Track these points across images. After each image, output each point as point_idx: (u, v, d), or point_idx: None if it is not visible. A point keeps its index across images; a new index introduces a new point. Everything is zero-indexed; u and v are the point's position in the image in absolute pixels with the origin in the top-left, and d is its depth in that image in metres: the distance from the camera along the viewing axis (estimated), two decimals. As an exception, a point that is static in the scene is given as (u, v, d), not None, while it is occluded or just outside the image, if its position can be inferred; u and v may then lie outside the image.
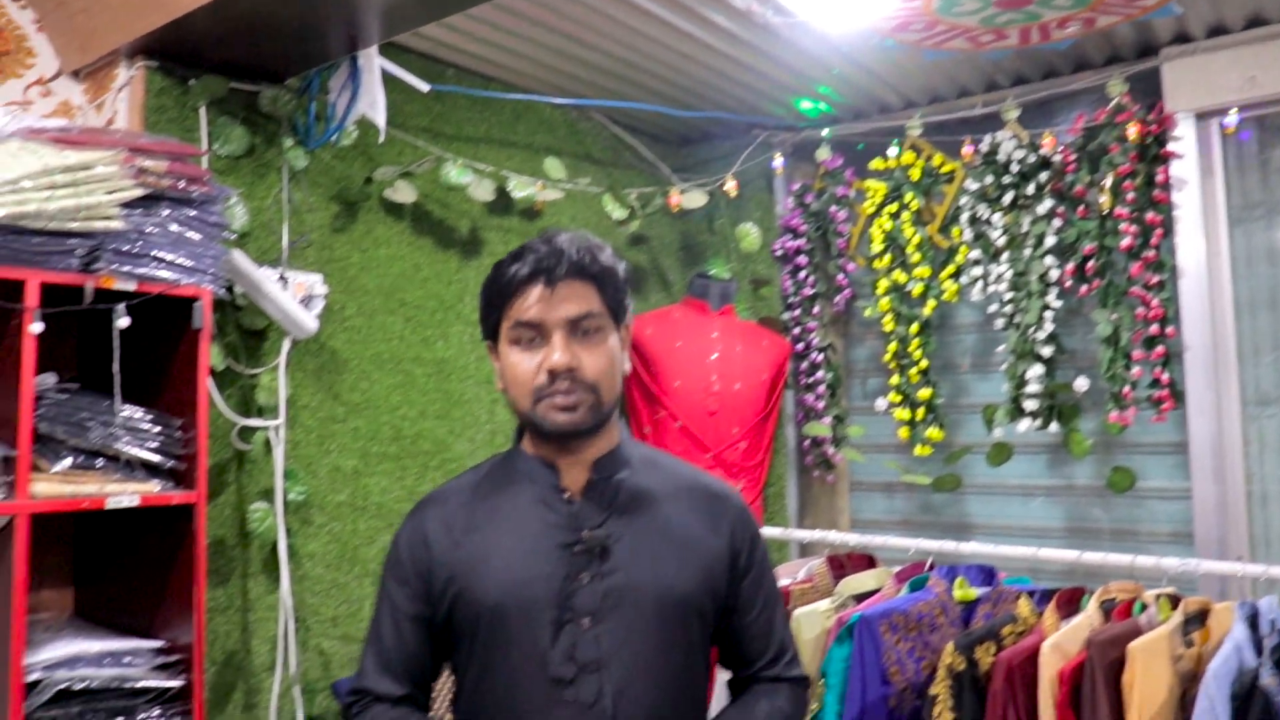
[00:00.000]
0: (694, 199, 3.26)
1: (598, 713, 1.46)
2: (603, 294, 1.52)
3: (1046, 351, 3.09)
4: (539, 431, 1.53)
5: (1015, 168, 3.15)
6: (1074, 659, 2.01)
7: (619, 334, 1.57)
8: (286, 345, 2.48)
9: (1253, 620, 2.04)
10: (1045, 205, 3.10)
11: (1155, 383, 2.95)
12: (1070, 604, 2.24)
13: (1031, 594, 2.27)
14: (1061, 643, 2.04)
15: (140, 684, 1.97)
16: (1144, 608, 2.14)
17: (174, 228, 2.03)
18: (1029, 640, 2.11)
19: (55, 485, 1.89)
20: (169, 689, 2.01)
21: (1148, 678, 1.93)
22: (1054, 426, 3.12)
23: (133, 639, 2.03)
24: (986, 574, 2.44)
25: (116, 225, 1.90)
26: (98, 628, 2.10)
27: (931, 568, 2.47)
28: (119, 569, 2.20)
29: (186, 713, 2.02)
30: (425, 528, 1.57)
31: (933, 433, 3.35)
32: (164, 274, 2.01)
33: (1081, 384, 3.06)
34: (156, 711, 1.99)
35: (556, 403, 1.48)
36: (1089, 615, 2.12)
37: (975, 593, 2.37)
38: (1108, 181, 2.99)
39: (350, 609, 2.65)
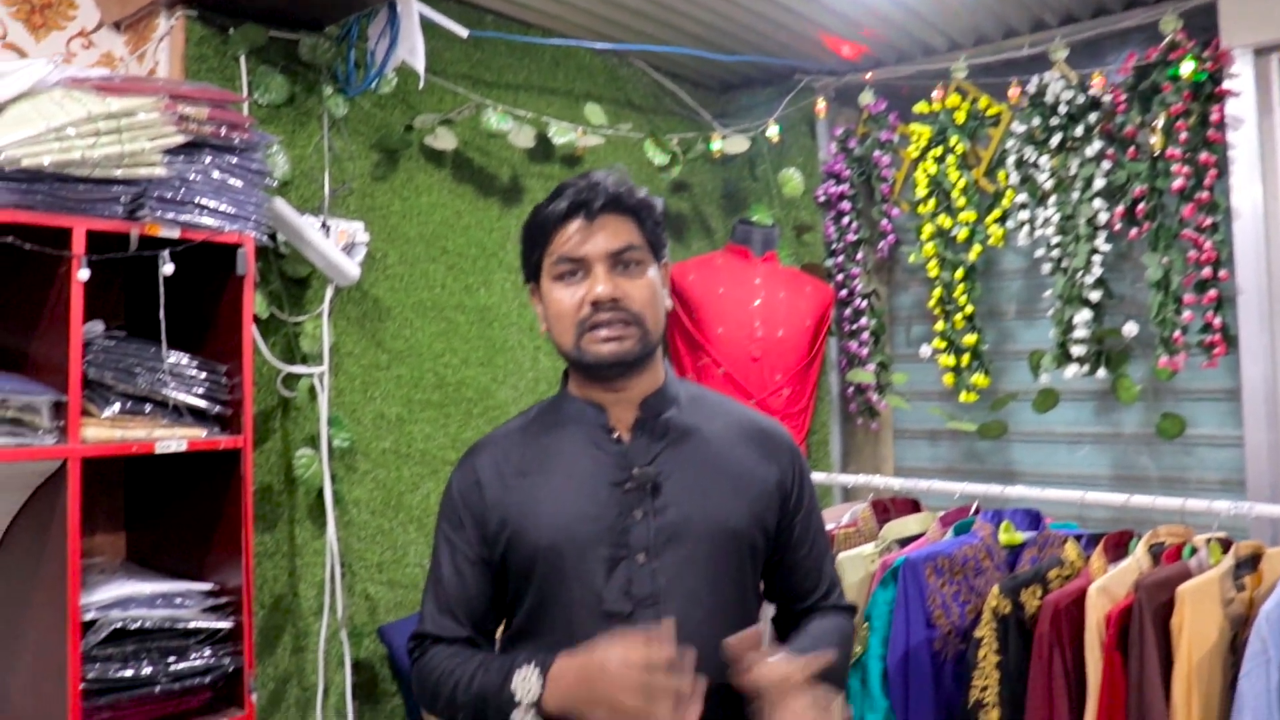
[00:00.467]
0: (736, 144, 3.22)
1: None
2: (641, 228, 1.53)
3: (1094, 296, 3.03)
4: (585, 368, 1.53)
5: (1063, 109, 3.07)
6: (1122, 602, 2.00)
7: (658, 269, 1.57)
8: (329, 293, 2.50)
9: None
10: (1094, 147, 3.03)
11: (1206, 327, 2.88)
12: (1118, 548, 2.22)
13: (1078, 538, 2.25)
14: (1109, 586, 2.03)
15: (191, 624, 2.01)
16: (1194, 552, 2.12)
17: (216, 175, 2.04)
18: (1076, 583, 2.09)
19: (105, 430, 1.92)
20: (219, 630, 2.05)
21: (1197, 620, 1.91)
22: (1101, 372, 3.07)
23: (183, 582, 2.07)
24: (1032, 518, 2.42)
25: (160, 172, 1.91)
26: (149, 571, 2.14)
27: (976, 512, 2.45)
28: (169, 514, 2.24)
29: (237, 653, 2.06)
30: (477, 472, 1.58)
31: (978, 379, 3.31)
32: (207, 221, 2.02)
33: (1130, 329, 3.00)
34: (208, 652, 2.03)
35: (601, 334, 1.48)
36: (1137, 559, 2.10)
37: (1021, 537, 2.36)
38: (1159, 122, 2.91)
39: (395, 555, 2.68)
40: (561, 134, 2.95)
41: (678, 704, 1.34)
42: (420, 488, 2.73)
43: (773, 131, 3.29)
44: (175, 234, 1.97)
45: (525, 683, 1.42)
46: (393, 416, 2.69)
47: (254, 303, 2.15)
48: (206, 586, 2.08)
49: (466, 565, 1.56)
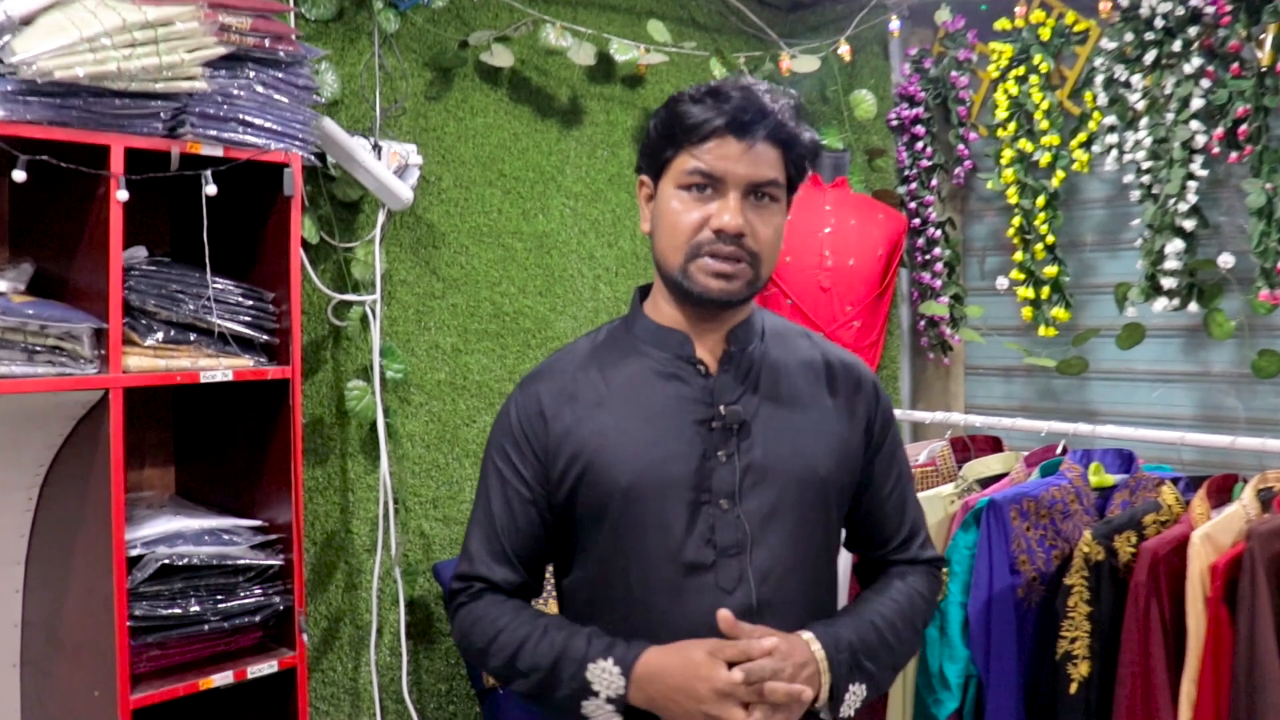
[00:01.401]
0: (806, 63, 3.04)
1: (738, 599, 1.36)
2: (787, 163, 1.40)
3: (1188, 225, 2.84)
4: (680, 293, 1.41)
5: (1159, 23, 2.86)
6: (1228, 552, 1.86)
7: (787, 207, 1.44)
8: (381, 218, 2.39)
9: None
10: (1193, 64, 2.81)
11: (1312, 258, 2.69)
12: (1221, 492, 2.06)
13: (1175, 481, 2.10)
14: (1213, 534, 1.88)
15: (241, 561, 1.94)
16: (1302, 498, 1.96)
17: (260, 90, 1.92)
18: (1175, 530, 1.95)
19: (148, 359, 1.83)
20: (269, 567, 1.98)
21: None
22: (1192, 307, 2.89)
23: (232, 518, 2.00)
24: (1125, 459, 2.27)
25: (200, 86, 1.80)
26: (199, 506, 2.07)
27: (1064, 452, 2.31)
28: (218, 448, 2.17)
29: (287, 591, 1.99)
30: (541, 400, 1.45)
31: (1059, 313, 3.14)
32: (251, 139, 1.91)
33: (1226, 260, 2.81)
34: (258, 590, 1.97)
35: (713, 266, 1.36)
36: (1244, 505, 1.95)
37: (1112, 479, 2.22)
38: (1269, 35, 2.69)
39: (450, 491, 2.60)
40: (623, 51, 2.79)
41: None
42: (476, 421, 2.64)
43: (844, 49, 3.10)
44: (218, 152, 1.86)
45: (605, 676, 1.32)
46: (447, 347, 2.59)
47: (302, 227, 2.05)
48: (256, 523, 2.01)
49: (520, 503, 1.45)
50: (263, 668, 1.93)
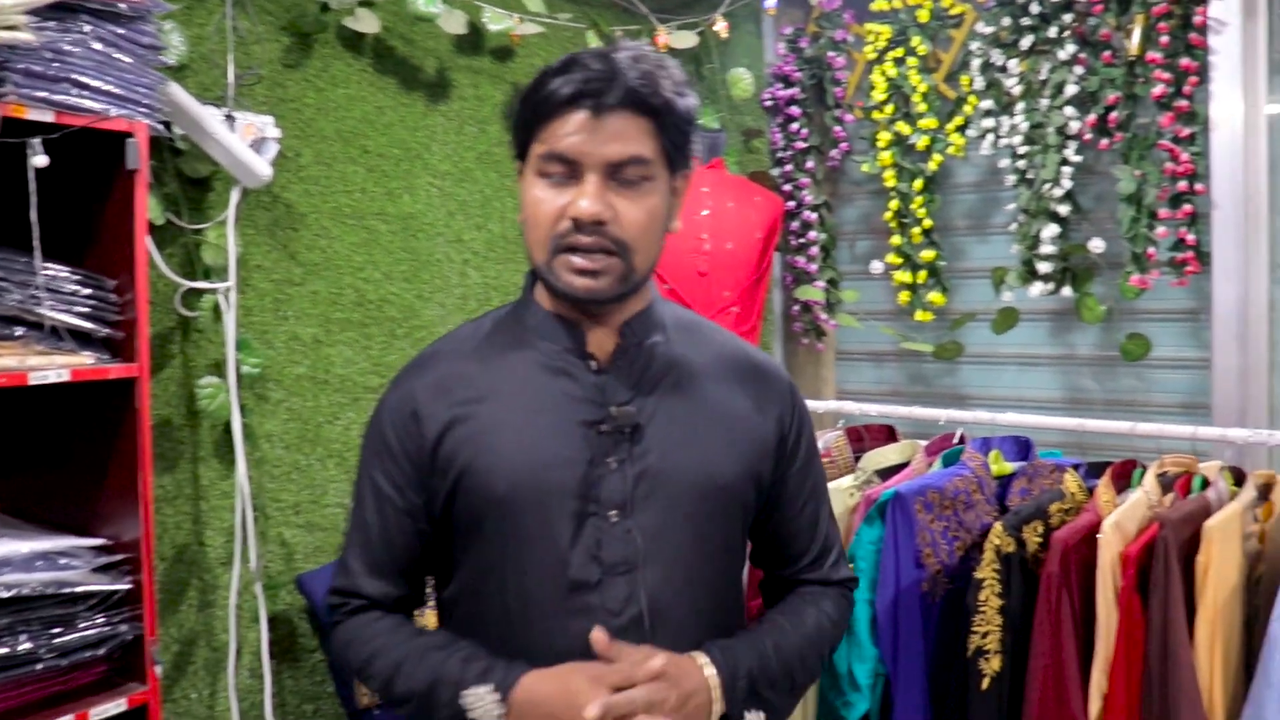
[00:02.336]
0: (683, 39, 2.93)
1: (626, 621, 1.24)
2: (661, 134, 1.24)
3: (1063, 210, 2.86)
4: (551, 290, 1.28)
5: (1035, 9, 2.86)
6: (1138, 539, 1.83)
7: (673, 186, 1.28)
8: (235, 196, 2.15)
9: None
10: (1067, 51, 2.82)
11: (1179, 244, 2.74)
12: (1120, 479, 2.05)
13: (1076, 467, 2.08)
14: (1121, 521, 1.86)
15: (80, 588, 1.69)
16: (1205, 483, 1.97)
17: (98, 47, 1.67)
18: (1083, 519, 1.92)
19: (-34, 357, 1.57)
20: (114, 592, 1.74)
21: (1223, 559, 1.76)
22: (1065, 291, 2.91)
23: (69, 537, 1.74)
24: (1022, 446, 2.24)
25: (24, 37, 1.54)
26: (30, 525, 1.81)
27: (961, 440, 2.27)
28: (52, 458, 1.90)
29: (135, 617, 1.76)
30: (416, 398, 1.30)
31: (935, 297, 3.13)
32: (89, 103, 1.66)
33: (1097, 245, 2.85)
34: (101, 618, 1.72)
35: (575, 263, 1.22)
36: (1146, 491, 1.94)
37: (1011, 467, 2.19)
38: (1137, 26, 2.72)
39: (314, 495, 2.38)
40: (496, 21, 2.61)
41: None
42: (340, 418, 2.43)
43: (721, 26, 3.00)
44: (48, 117, 1.61)
45: (481, 703, 1.19)
46: (308, 338, 2.38)
47: (146, 207, 1.81)
48: (98, 542, 1.76)
49: (395, 512, 1.30)
50: (108, 708, 1.69)
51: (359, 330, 2.48)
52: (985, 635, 1.90)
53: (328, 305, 2.41)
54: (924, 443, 2.31)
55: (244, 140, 2.09)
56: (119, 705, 1.71)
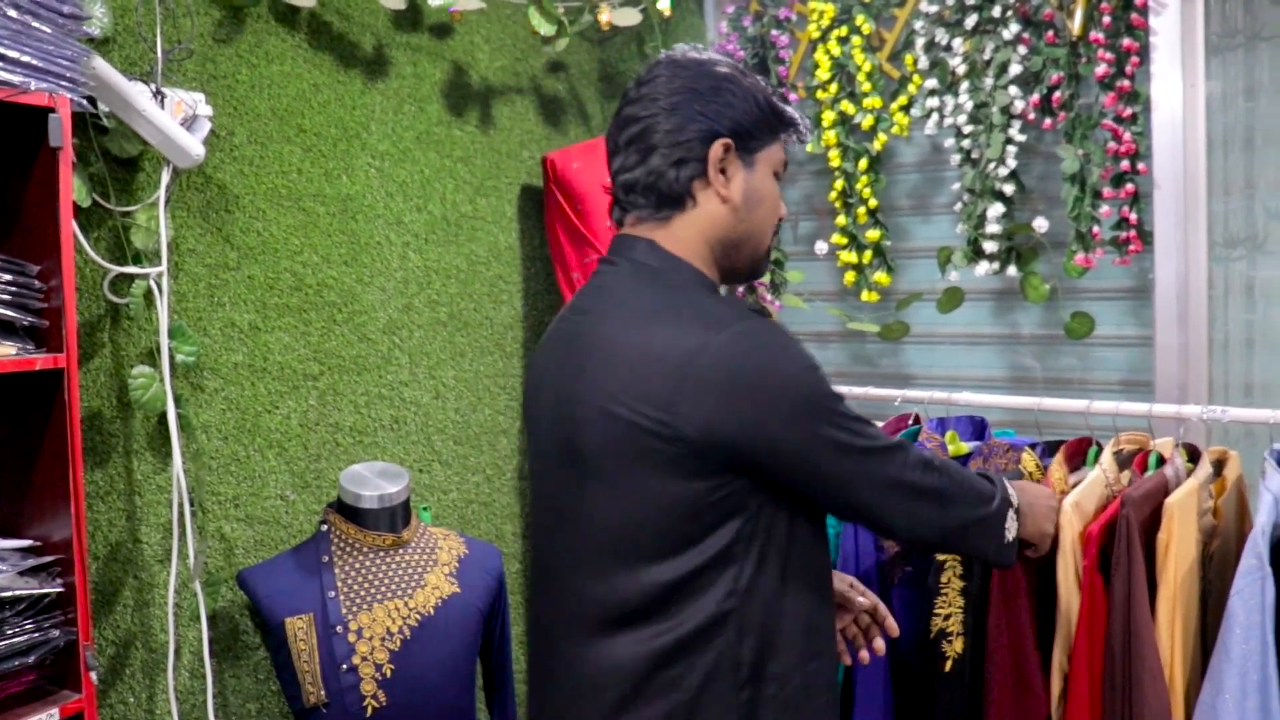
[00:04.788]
0: (626, 16, 2.87)
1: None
2: None
3: (1008, 189, 2.86)
4: (753, 270, 1.52)
5: (978, -13, 2.86)
6: (1098, 518, 1.83)
7: None
8: (165, 177, 2.05)
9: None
10: (1011, 30, 2.83)
11: (1122, 223, 2.76)
12: (1075, 457, 2.05)
13: (1033, 446, 2.07)
14: (1080, 501, 1.85)
15: (7, 593, 1.59)
16: (1161, 459, 1.97)
17: (13, 14, 1.56)
18: (1041, 499, 1.91)
19: (-119, 348, 1.47)
20: (44, 595, 1.65)
21: (1183, 536, 1.76)
22: (1010, 270, 2.92)
23: (-3, 537, 1.65)
24: (977, 426, 2.24)
25: (-60, 6, 1.44)
26: (-49, 524, 1.71)
27: (916, 421, 2.26)
28: (-29, 451, 1.80)
29: (68, 621, 1.66)
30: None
31: (880, 277, 3.12)
32: (5, 75, 1.55)
33: (1041, 224, 2.86)
34: (30, 624, 1.62)
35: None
36: (1104, 469, 1.94)
37: (966, 447, 2.17)
38: (1079, 7, 2.72)
39: (254, 487, 2.30)
40: (435, -5, 2.53)
41: None
42: (280, 407, 2.34)
43: (665, 4, 2.94)
44: (-36, 92, 1.51)
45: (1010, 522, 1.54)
46: (244, 325, 2.28)
47: (71, 187, 1.71)
48: (25, 543, 1.67)
49: None
50: (40, 719, 1.61)
51: (298, 316, 2.39)
52: (947, 617, 1.89)
53: (265, 290, 2.32)
54: (879, 424, 2.29)
55: (174, 118, 1.99)
56: (51, 715, 1.62)
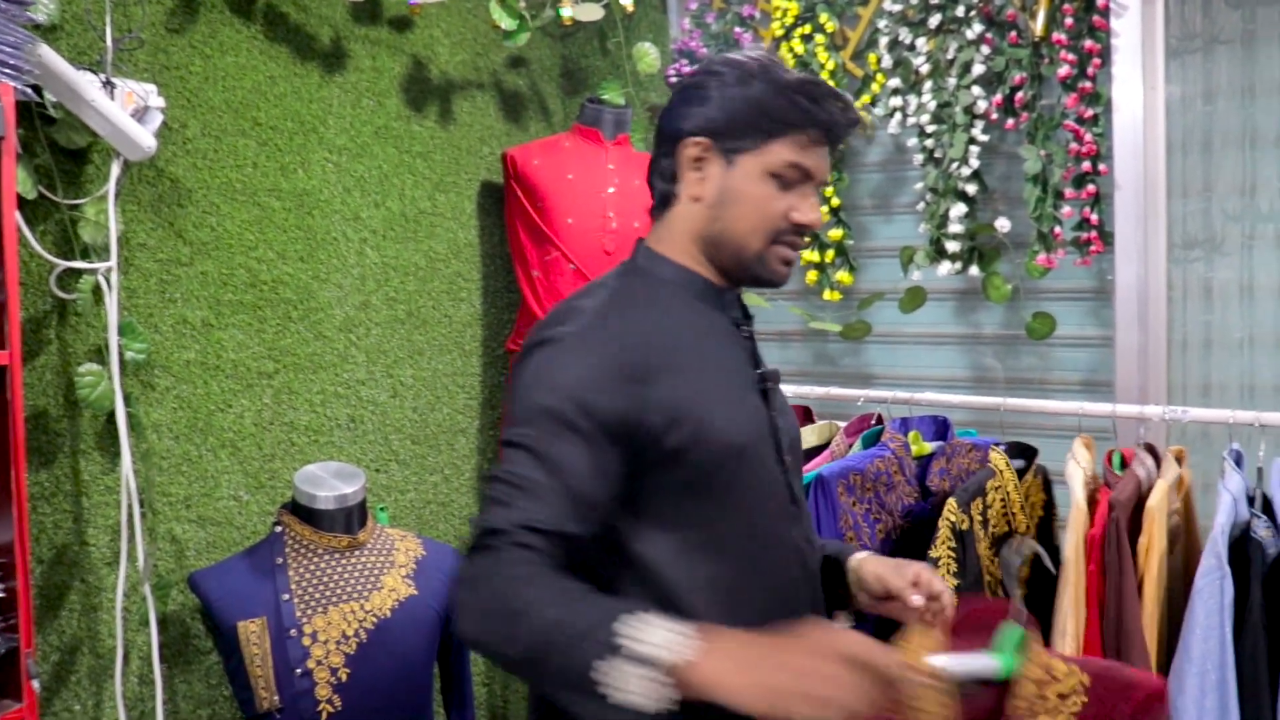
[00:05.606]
0: (588, 12, 2.84)
1: (809, 550, 1.46)
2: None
3: (971, 189, 2.87)
4: (746, 274, 1.42)
5: (941, -13, 2.86)
6: (1095, 525, 1.83)
7: None
8: (115, 170, 1.99)
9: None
10: (974, 30, 2.83)
11: (1083, 223, 2.77)
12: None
13: (998, 445, 2.07)
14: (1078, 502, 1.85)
15: (-50, 596, 1.55)
16: (1124, 461, 1.98)
17: (-43, 1, 1.52)
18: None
19: None
20: (-13, 599, 1.60)
21: (1160, 538, 1.77)
22: (973, 270, 2.93)
23: (-64, 539, 1.60)
24: (940, 426, 2.23)
25: (-124, -11, 1.39)
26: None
27: (879, 421, 2.25)
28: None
29: (9, 628, 1.61)
30: (618, 360, 1.30)
31: (843, 276, 3.12)
32: (-52, 63, 1.51)
33: (1003, 224, 2.86)
34: (-29, 629, 1.58)
35: (787, 255, 1.41)
36: (1083, 467, 1.94)
37: (929, 447, 2.17)
38: (1042, 7, 2.73)
39: (206, 487, 2.25)
40: (394, -13, 2.49)
41: None
42: (233, 405, 2.29)
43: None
44: (-97, 78, 1.46)
45: (649, 631, 1.04)
46: (197, 322, 2.23)
47: (15, 179, 1.66)
48: (-33, 545, 1.62)
49: (602, 465, 1.26)
50: (-19, 727, 1.56)
51: (252, 313, 2.34)
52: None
53: (218, 286, 2.27)
54: (843, 424, 2.28)
55: (125, 109, 1.93)
56: (-7, 724, 1.57)
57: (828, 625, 1.17)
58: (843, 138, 1.42)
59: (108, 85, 1.92)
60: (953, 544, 1.87)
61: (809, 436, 2.26)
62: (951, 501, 1.89)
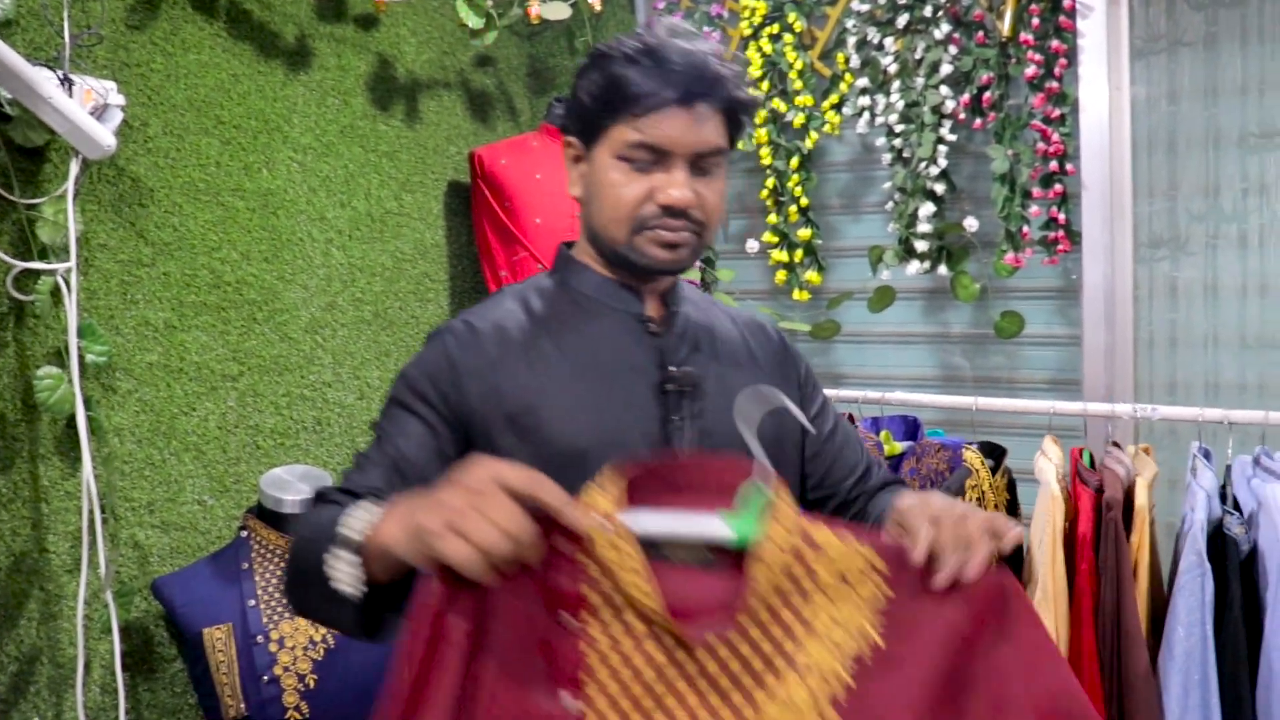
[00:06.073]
0: (556, 10, 2.82)
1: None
2: (730, 128, 1.36)
3: (939, 188, 2.88)
4: (623, 263, 1.36)
5: (909, -13, 2.86)
6: (1082, 520, 1.84)
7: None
8: (75, 168, 1.95)
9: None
10: (942, 30, 2.83)
11: (1051, 223, 2.79)
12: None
13: (970, 445, 2.08)
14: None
15: (-94, 605, 1.51)
16: (1093, 459, 1.99)
17: (-89, -5, 1.48)
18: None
19: None
20: (-54, 607, 1.56)
21: (1148, 537, 1.78)
22: (941, 269, 2.93)
23: (-109, 547, 1.56)
24: (910, 426, 2.23)
25: None
26: None
27: (851, 420, 2.25)
28: None
29: (-29, 635, 1.58)
30: (451, 355, 1.33)
31: (812, 276, 3.12)
32: (-99, 59, 1.47)
33: (972, 224, 2.87)
34: (-69, 638, 1.54)
35: (663, 238, 1.31)
36: (1057, 465, 1.94)
37: (900, 447, 2.17)
38: (1009, 8, 2.74)
39: (169, 492, 2.21)
40: (360, -16, 2.46)
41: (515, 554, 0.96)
42: (197, 409, 2.26)
43: (595, -2, 2.90)
44: None
45: (353, 517, 1.10)
46: (159, 323, 2.19)
47: (-28, 177, 1.62)
48: (-76, 553, 1.58)
49: (435, 442, 1.30)
50: (-60, 738, 1.52)
51: (215, 314, 2.30)
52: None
53: (181, 288, 2.23)
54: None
55: (84, 107, 1.90)
56: (-49, 736, 1.53)
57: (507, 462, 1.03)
58: (706, 98, 1.28)
59: (66, 82, 1.88)
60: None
61: (780, 437, 2.25)
62: None
